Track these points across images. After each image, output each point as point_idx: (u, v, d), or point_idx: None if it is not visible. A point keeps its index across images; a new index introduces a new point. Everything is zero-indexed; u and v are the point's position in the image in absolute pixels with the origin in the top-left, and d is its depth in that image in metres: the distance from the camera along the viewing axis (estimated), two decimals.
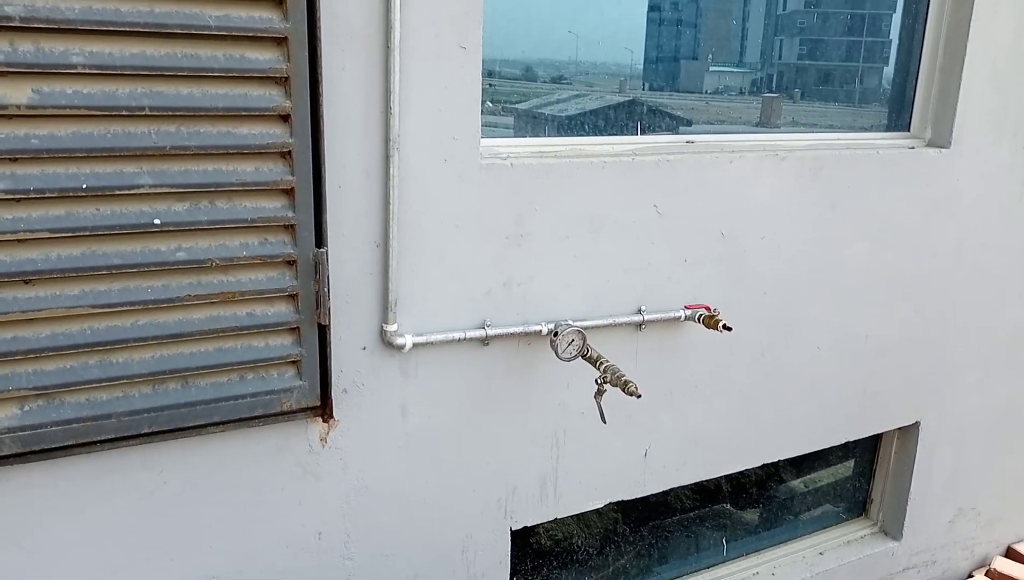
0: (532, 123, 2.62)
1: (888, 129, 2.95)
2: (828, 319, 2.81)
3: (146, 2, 1.52)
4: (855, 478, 3.46)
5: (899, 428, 3.28)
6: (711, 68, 2.95)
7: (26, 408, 1.61)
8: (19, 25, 1.43)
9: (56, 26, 1.46)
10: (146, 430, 1.72)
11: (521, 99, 2.60)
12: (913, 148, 2.82)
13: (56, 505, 1.73)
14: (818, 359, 2.84)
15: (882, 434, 3.32)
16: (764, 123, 3.00)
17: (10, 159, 1.49)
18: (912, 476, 3.31)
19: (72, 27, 1.47)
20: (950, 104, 2.82)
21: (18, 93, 1.47)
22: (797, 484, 3.34)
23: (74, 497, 1.75)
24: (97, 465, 1.74)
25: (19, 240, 1.53)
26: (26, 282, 1.56)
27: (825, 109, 3.16)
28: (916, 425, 3.25)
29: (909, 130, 2.91)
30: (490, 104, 2.30)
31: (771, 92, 3.05)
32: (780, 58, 3.06)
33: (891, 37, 3.03)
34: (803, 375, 2.83)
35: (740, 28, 3.02)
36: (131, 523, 1.83)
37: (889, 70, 3.04)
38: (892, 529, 3.41)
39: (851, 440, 3.10)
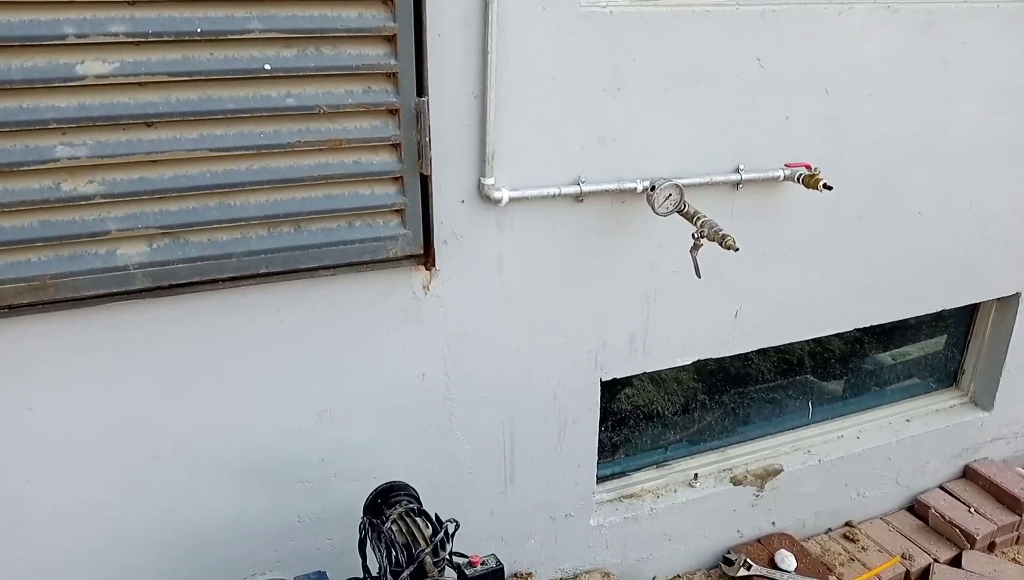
0: None
1: None
2: (931, 183, 2.72)
3: None
4: (947, 349, 3.42)
5: (998, 299, 3.21)
6: None
7: (154, 245, 1.72)
8: None
9: None
10: (263, 270, 1.82)
11: None
12: None
13: (184, 339, 1.87)
14: (917, 224, 2.77)
15: (979, 305, 3.25)
16: None
17: (129, 2, 1.54)
18: (1008, 348, 3.25)
19: None
20: None
21: None
22: (885, 357, 3.32)
23: (200, 332, 1.88)
24: (220, 302, 1.87)
25: (140, 83, 1.59)
26: (148, 125, 1.63)
27: None
28: (1016, 296, 3.17)
29: None
30: None
31: None
32: None
33: None
34: (901, 240, 2.77)
35: None
36: (251, 358, 1.96)
37: None
38: (983, 400, 3.38)
39: (947, 309, 3.04)
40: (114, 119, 1.59)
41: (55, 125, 1.55)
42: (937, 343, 3.39)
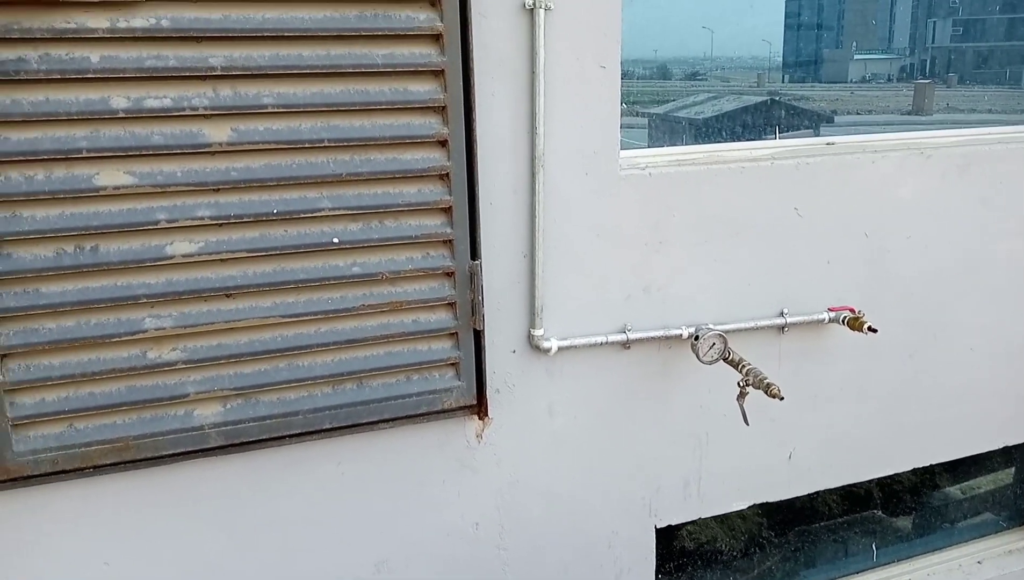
0: (669, 129, 2.68)
1: None
2: (981, 319, 2.72)
3: (323, 47, 1.72)
4: (1017, 485, 3.30)
5: None
6: (856, 56, 2.91)
7: (228, 406, 1.85)
8: (220, 73, 1.66)
9: (250, 72, 1.68)
10: (327, 426, 1.93)
11: (655, 100, 2.65)
12: None
13: (252, 492, 1.97)
14: (970, 360, 2.76)
15: None
16: (916, 111, 2.93)
17: (214, 189, 1.73)
18: None
19: (263, 72, 1.69)
20: None
21: (220, 132, 1.70)
22: (953, 490, 3.23)
23: (266, 485, 1.98)
24: (286, 457, 1.97)
25: (222, 259, 1.76)
26: (228, 296, 1.79)
27: (982, 93, 3.04)
28: None
29: None
30: (624, 106, 2.40)
31: (922, 78, 2.97)
32: (932, 42, 2.98)
33: None
34: (954, 377, 2.75)
35: (887, 12, 2.96)
36: (313, 510, 2.04)
37: None
38: None
39: (1010, 445, 2.98)
40: (198, 292, 1.75)
41: (145, 300, 1.71)
42: (1007, 474, 3.29)
